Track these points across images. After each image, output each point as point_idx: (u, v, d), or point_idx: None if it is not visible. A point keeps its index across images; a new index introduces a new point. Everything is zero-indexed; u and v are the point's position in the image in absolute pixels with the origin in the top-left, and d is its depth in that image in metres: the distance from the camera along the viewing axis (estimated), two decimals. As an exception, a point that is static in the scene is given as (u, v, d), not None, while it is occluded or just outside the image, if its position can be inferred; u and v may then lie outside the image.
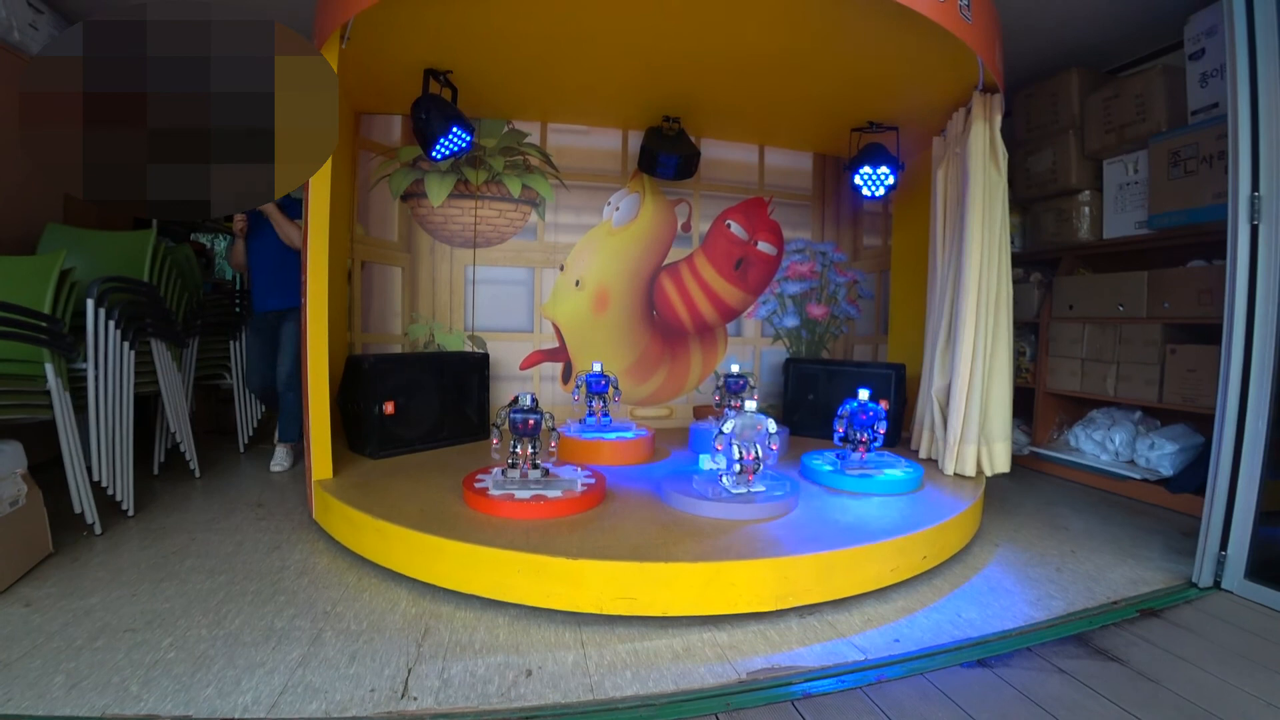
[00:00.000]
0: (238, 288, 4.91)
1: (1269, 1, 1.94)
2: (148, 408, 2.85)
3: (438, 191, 3.26)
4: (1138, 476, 2.96)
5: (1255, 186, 1.94)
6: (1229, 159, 1.99)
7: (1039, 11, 3.03)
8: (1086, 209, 3.30)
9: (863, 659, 1.57)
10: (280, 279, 2.95)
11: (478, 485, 2.11)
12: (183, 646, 1.50)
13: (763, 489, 2.15)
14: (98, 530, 2.13)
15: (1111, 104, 3.11)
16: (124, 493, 2.29)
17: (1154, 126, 2.93)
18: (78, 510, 2.05)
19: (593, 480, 2.23)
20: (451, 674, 1.45)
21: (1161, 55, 3.21)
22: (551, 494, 2.06)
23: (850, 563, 1.83)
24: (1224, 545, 2.01)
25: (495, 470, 2.23)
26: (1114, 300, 3.12)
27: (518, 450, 2.19)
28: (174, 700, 1.31)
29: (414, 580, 1.86)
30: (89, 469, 2.15)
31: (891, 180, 3.07)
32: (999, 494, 2.97)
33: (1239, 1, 1.99)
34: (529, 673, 1.47)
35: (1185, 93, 2.84)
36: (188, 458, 2.82)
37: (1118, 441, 3.13)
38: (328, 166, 2.22)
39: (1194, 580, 2.06)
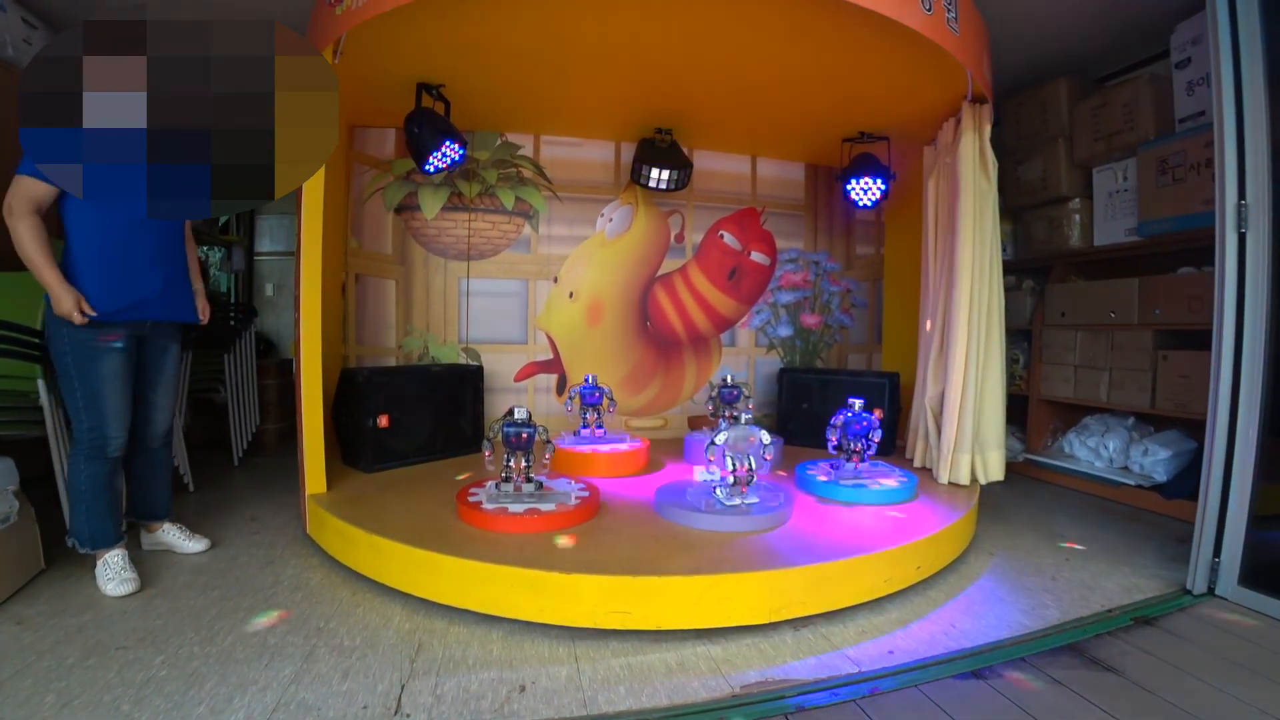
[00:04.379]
0: (232, 300, 4.91)
1: (1252, 11, 1.96)
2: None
3: (431, 204, 3.26)
4: (1132, 483, 2.97)
5: (1241, 195, 1.96)
6: (1215, 168, 2.01)
7: (1027, 22, 3.06)
8: (1077, 216, 3.32)
9: (856, 671, 1.57)
10: (175, 268, 2.04)
11: (471, 499, 2.11)
12: (175, 664, 1.50)
13: (756, 500, 2.15)
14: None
15: (1100, 112, 3.14)
16: (117, 507, 2.27)
17: (1142, 135, 2.96)
18: (68, 526, 2.04)
19: (586, 493, 2.23)
20: (445, 690, 1.45)
21: (1148, 64, 3.24)
22: (545, 507, 2.06)
23: (844, 574, 1.83)
24: (1217, 551, 2.02)
25: (489, 484, 2.23)
26: (1106, 307, 3.13)
27: (511, 464, 2.19)
28: (166, 719, 1.30)
29: (408, 596, 1.86)
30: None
31: (882, 190, 3.09)
32: (994, 502, 2.97)
33: (1223, 11, 2.01)
34: (522, 688, 1.47)
35: (1172, 101, 2.88)
36: (181, 471, 2.81)
37: (1111, 448, 3.14)
38: (320, 178, 2.24)
39: (1188, 587, 2.07)
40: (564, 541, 1.91)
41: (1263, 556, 1.98)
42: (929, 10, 2.09)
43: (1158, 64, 3.12)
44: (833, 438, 2.49)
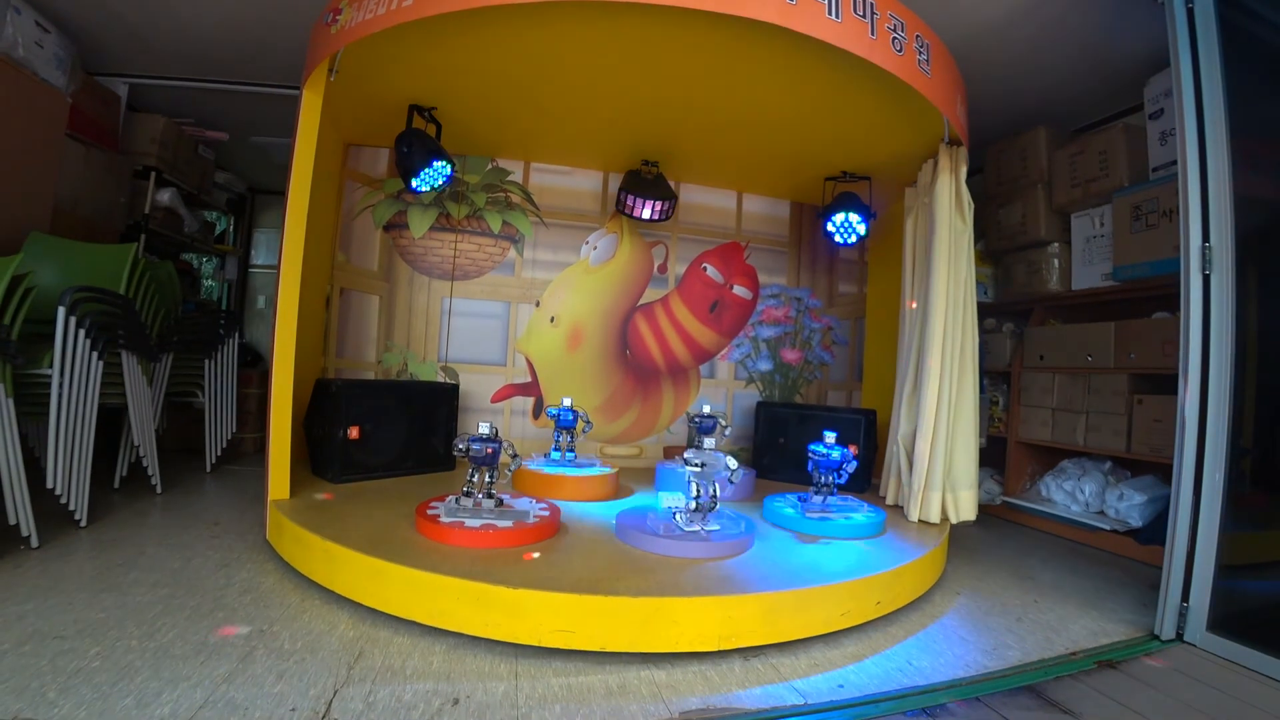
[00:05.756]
0: (224, 308, 4.96)
1: (1214, 64, 2.03)
2: (116, 422, 2.84)
3: (419, 223, 3.32)
4: (1108, 528, 2.93)
5: (1205, 238, 1.99)
6: (1180, 211, 2.04)
7: (1010, 73, 3.16)
8: (1056, 260, 3.36)
9: (802, 703, 1.53)
10: None
11: (430, 512, 2.10)
12: (110, 656, 1.48)
13: (717, 528, 2.13)
14: (34, 543, 2.07)
15: (1077, 160, 3.20)
16: (78, 503, 2.26)
17: (1117, 182, 3.02)
18: (13, 522, 2.02)
19: (546, 512, 2.21)
20: (377, 698, 1.42)
21: (1124, 116, 3.31)
22: (502, 524, 2.04)
23: (798, 604, 1.79)
24: (1185, 597, 1.99)
25: (450, 498, 2.22)
26: (1082, 351, 3.14)
27: (474, 479, 2.18)
28: (89, 708, 1.28)
29: (357, 604, 1.83)
30: (46, 477, 2.13)
31: (862, 228, 3.13)
32: (969, 543, 2.93)
33: (1186, 66, 2.08)
34: (456, 701, 1.44)
35: (1146, 150, 2.94)
36: (150, 473, 2.80)
37: (1088, 492, 3.11)
38: (305, 191, 2.28)
39: (1156, 633, 2.03)
40: (528, 557, 1.89)
41: (1233, 603, 1.95)
42: (900, 51, 2.15)
43: (1133, 115, 3.19)
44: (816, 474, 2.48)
